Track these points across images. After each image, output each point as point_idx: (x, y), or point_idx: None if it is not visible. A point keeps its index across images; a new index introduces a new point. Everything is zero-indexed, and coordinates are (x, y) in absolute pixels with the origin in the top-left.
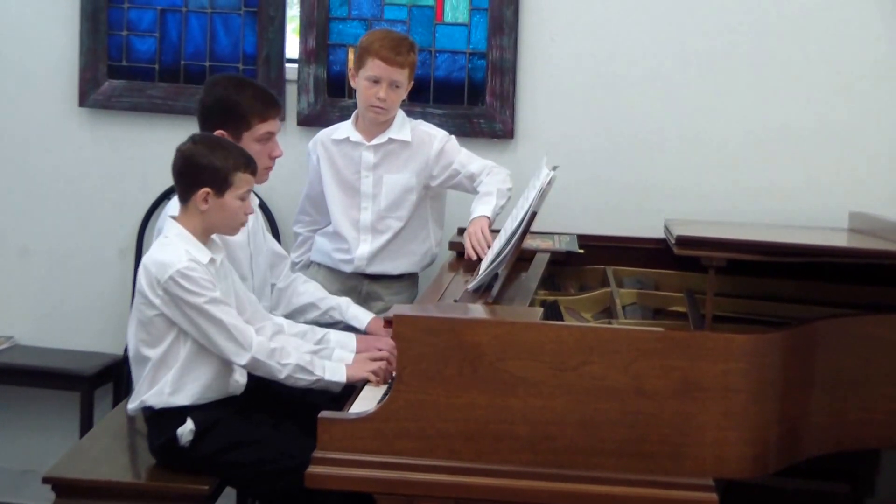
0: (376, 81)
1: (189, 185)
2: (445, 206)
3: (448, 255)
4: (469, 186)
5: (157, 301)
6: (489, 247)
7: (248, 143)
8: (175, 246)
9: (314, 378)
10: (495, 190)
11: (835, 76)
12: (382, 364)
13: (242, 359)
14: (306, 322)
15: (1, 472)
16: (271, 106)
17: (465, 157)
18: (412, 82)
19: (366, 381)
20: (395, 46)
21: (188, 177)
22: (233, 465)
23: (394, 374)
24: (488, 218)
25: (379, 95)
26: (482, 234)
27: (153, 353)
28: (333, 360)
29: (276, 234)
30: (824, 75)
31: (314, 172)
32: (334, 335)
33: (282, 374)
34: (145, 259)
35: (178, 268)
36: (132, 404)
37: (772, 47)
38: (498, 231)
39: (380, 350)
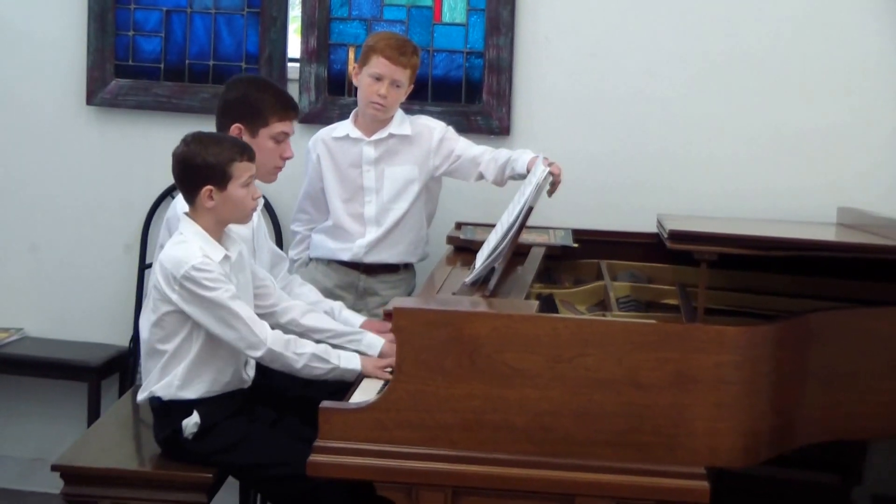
0: (378, 79)
1: (191, 187)
2: (440, 201)
3: (446, 249)
4: (472, 169)
5: (173, 297)
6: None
7: (264, 139)
8: (190, 243)
9: (330, 366)
10: (517, 151)
11: (823, 77)
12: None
13: (258, 351)
14: None
15: (11, 460)
16: (290, 107)
17: (464, 144)
18: (412, 85)
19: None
20: (399, 47)
21: (188, 178)
22: (232, 465)
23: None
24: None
25: (380, 92)
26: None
27: (166, 348)
28: (363, 346)
29: (278, 232)
30: (813, 76)
31: (314, 170)
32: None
33: (298, 364)
34: (161, 256)
35: (194, 263)
36: (141, 395)
37: (763, 48)
38: (493, 225)
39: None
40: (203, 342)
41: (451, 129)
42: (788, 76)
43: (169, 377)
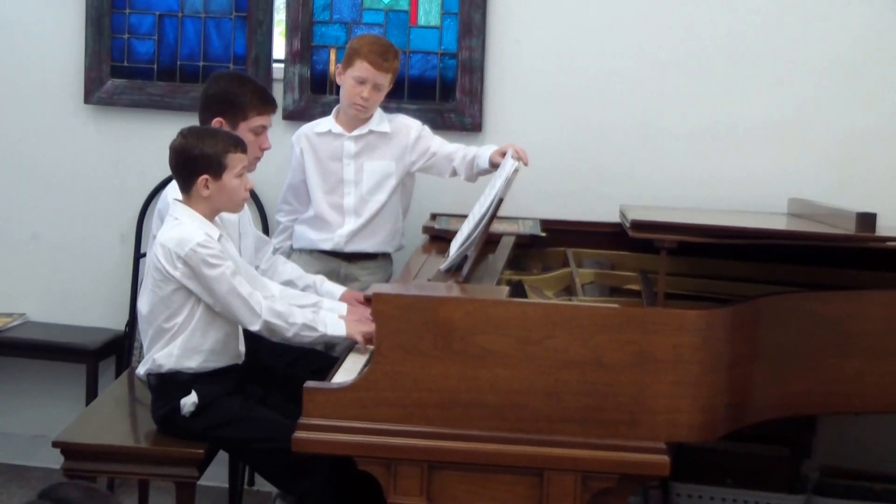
0: (362, 82)
1: (188, 176)
2: (416, 193)
3: (422, 239)
4: (446, 166)
5: (176, 274)
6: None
7: (243, 132)
8: (188, 224)
9: (318, 334)
10: (483, 147)
11: (776, 72)
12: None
13: (256, 324)
14: None
15: (14, 438)
16: (268, 102)
17: (439, 142)
18: (392, 86)
19: (348, 353)
20: (382, 52)
21: (185, 169)
22: (225, 440)
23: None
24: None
25: (363, 95)
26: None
27: (172, 324)
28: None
29: (264, 221)
30: (767, 71)
31: (297, 163)
32: (327, 302)
33: (290, 333)
34: (160, 238)
35: (198, 241)
36: (142, 368)
37: (717, 46)
38: (466, 216)
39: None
40: (202, 313)
41: (426, 128)
42: (743, 73)
43: (169, 347)
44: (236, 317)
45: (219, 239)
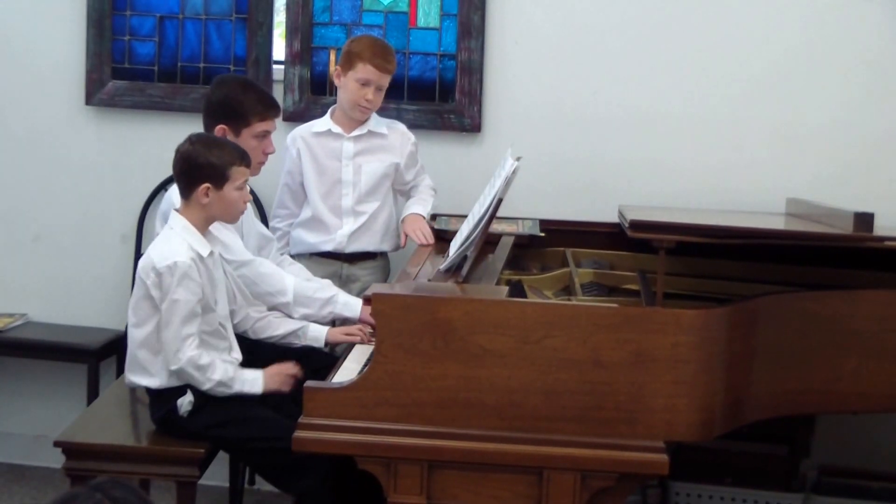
0: (366, 84)
1: (190, 183)
2: None
3: None
4: (408, 194)
5: (148, 282)
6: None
7: (246, 138)
8: (180, 239)
9: (233, 391)
10: (429, 196)
11: (773, 71)
12: (289, 379)
13: (173, 364)
14: None
15: (16, 437)
16: (270, 107)
17: (420, 169)
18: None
19: (348, 353)
20: (384, 54)
21: (189, 175)
22: (224, 439)
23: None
24: (423, 216)
25: (368, 98)
26: (425, 228)
27: (136, 332)
28: (309, 339)
29: (264, 222)
30: (766, 70)
31: (294, 165)
32: (342, 296)
33: (205, 387)
34: (151, 247)
35: (176, 260)
36: (128, 382)
37: (712, 49)
38: (466, 216)
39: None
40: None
41: (418, 144)
42: (740, 73)
43: (156, 372)
44: (162, 344)
45: (209, 254)
